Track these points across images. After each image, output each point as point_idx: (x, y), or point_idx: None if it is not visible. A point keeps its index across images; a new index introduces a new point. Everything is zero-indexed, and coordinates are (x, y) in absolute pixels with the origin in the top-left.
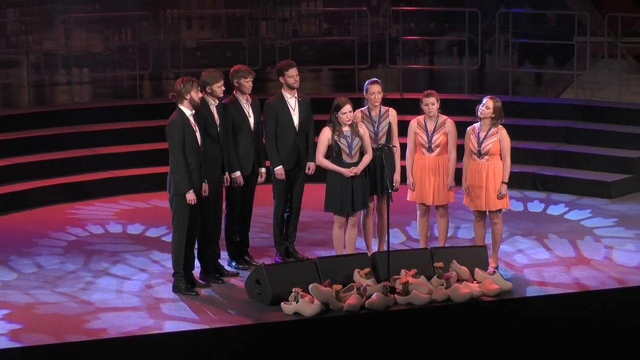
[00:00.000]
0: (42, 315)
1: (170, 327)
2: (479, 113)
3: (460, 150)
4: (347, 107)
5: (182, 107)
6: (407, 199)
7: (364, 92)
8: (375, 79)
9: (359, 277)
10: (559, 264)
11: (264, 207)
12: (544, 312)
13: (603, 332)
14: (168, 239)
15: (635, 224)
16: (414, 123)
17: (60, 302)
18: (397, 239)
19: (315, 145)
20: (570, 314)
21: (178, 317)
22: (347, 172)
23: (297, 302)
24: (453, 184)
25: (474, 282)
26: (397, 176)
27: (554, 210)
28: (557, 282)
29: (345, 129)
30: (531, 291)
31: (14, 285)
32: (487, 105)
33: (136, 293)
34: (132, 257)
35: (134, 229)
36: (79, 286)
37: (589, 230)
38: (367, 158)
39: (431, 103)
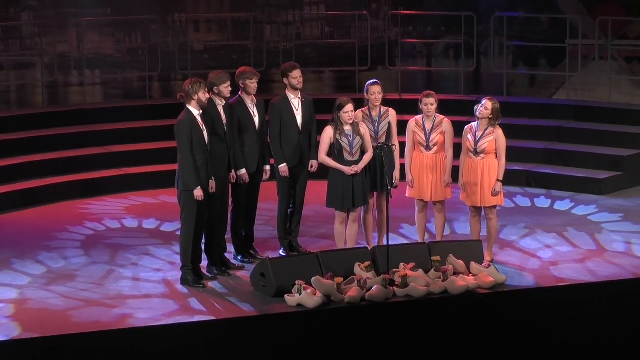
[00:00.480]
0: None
1: (177, 318)
2: (477, 113)
3: (457, 149)
4: (349, 107)
5: (190, 107)
6: (406, 195)
7: (365, 93)
8: (375, 80)
9: (360, 270)
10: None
11: (268, 203)
12: (538, 304)
13: (597, 324)
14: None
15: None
16: (413, 122)
17: (84, 296)
18: (396, 234)
19: (317, 143)
20: (566, 306)
21: (185, 309)
22: (348, 170)
23: (300, 294)
24: (450, 180)
25: (470, 275)
26: (396, 173)
27: (560, 206)
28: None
29: (347, 128)
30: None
31: (41, 280)
32: (485, 106)
33: (151, 285)
34: (154, 250)
35: (149, 223)
36: (99, 277)
37: (593, 225)
38: (368, 157)
39: (430, 103)
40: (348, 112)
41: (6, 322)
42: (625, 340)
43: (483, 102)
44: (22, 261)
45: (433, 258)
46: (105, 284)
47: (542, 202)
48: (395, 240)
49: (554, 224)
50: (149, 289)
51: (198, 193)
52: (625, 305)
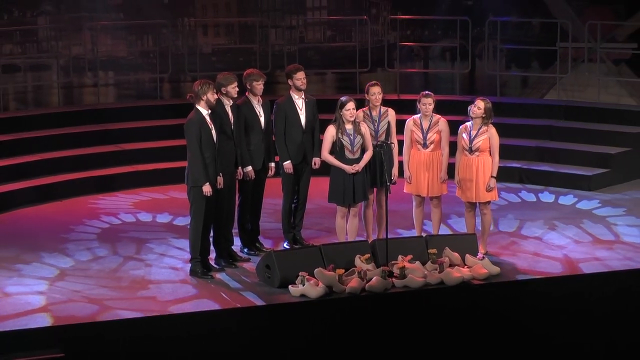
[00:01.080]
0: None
1: (186, 307)
2: (470, 113)
3: (453, 147)
4: (350, 105)
5: (199, 107)
6: (404, 191)
7: (365, 94)
8: (375, 81)
9: (360, 262)
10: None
11: (273, 198)
12: (531, 294)
13: (584, 315)
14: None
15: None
16: (410, 122)
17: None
18: (394, 228)
19: (320, 142)
20: (558, 298)
21: (194, 298)
22: (349, 169)
23: (304, 285)
24: (446, 177)
25: (465, 267)
26: (395, 170)
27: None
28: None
29: (349, 126)
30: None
31: (71, 271)
32: (478, 105)
33: (164, 276)
34: (158, 243)
35: (163, 217)
36: (114, 269)
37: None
38: (368, 155)
39: (428, 103)
40: (350, 109)
41: (39, 311)
42: (609, 332)
43: (475, 102)
44: (48, 254)
45: (430, 251)
46: (121, 275)
47: (531, 197)
48: (393, 233)
49: (545, 218)
50: (161, 279)
51: (206, 189)
52: (615, 297)
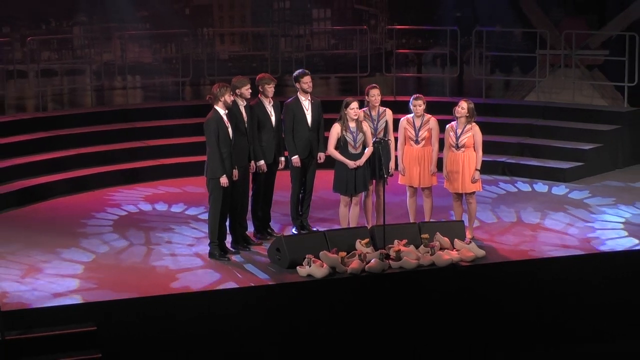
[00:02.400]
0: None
1: (205, 286)
2: (455, 113)
3: (442, 143)
4: (354, 104)
5: (217, 108)
6: (399, 182)
7: (366, 96)
8: (374, 85)
9: (360, 246)
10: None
11: (283, 189)
12: (512, 275)
13: (559, 293)
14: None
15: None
16: (404, 121)
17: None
18: (390, 215)
19: (325, 139)
20: (532, 278)
21: (212, 278)
22: (352, 164)
23: (310, 266)
24: (435, 170)
25: (454, 250)
26: (391, 164)
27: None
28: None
29: (352, 124)
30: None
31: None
32: (462, 106)
33: (184, 258)
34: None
35: (179, 207)
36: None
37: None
38: (368, 151)
39: (419, 105)
40: (354, 108)
41: (74, 291)
42: (587, 306)
43: (459, 103)
44: (84, 239)
45: (422, 236)
46: (148, 258)
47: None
48: (390, 220)
49: (525, 206)
50: (183, 261)
51: (223, 180)
52: (578, 278)
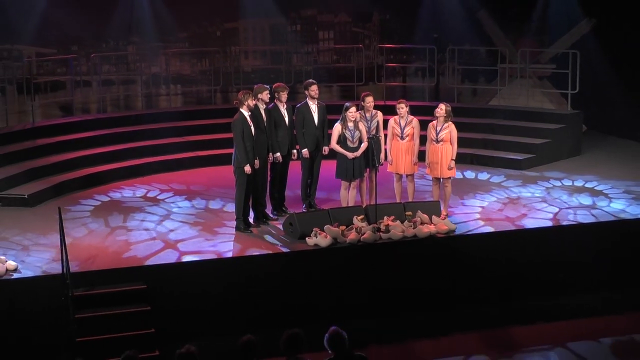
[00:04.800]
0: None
1: (233, 253)
2: (435, 113)
3: (423, 138)
4: (353, 109)
5: (242, 110)
6: (387, 170)
7: (361, 101)
8: (368, 92)
9: (357, 221)
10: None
11: (295, 175)
12: (476, 244)
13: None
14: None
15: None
16: (392, 121)
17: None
18: (381, 196)
19: (329, 135)
20: (495, 249)
21: (238, 247)
22: (350, 155)
23: (317, 237)
24: (417, 160)
25: (432, 224)
26: (382, 155)
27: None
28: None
29: (350, 124)
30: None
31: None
32: (440, 107)
33: (211, 230)
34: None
35: (221, 188)
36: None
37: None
38: (364, 146)
39: (401, 107)
40: (352, 112)
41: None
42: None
43: (439, 106)
44: (138, 213)
45: (407, 213)
46: (192, 228)
47: (477, 175)
48: (380, 200)
49: (489, 189)
50: (220, 232)
51: (247, 169)
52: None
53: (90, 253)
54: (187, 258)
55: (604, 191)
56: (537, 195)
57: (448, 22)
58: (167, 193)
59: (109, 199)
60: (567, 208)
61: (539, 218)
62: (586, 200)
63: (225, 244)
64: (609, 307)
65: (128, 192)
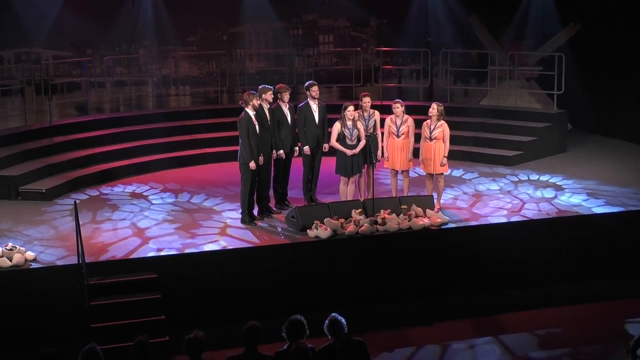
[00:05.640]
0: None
1: (239, 244)
2: (429, 113)
3: (417, 136)
4: (351, 108)
5: (247, 110)
6: (384, 166)
7: (360, 101)
8: (366, 92)
9: (355, 214)
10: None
11: (297, 171)
12: (467, 236)
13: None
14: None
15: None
16: (388, 119)
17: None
18: (378, 191)
19: (329, 134)
20: (484, 238)
21: (243, 238)
22: (349, 152)
23: (317, 229)
24: (411, 157)
25: (426, 217)
26: (379, 152)
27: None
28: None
29: (349, 123)
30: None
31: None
32: (433, 107)
33: (217, 225)
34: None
35: (228, 184)
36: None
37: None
38: (362, 143)
39: (397, 107)
40: (350, 111)
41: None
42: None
43: (432, 106)
44: (147, 206)
45: (402, 206)
46: (199, 222)
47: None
48: (377, 195)
49: (478, 185)
50: (230, 224)
51: (252, 165)
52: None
53: (104, 245)
54: (194, 250)
55: (563, 186)
56: (495, 188)
57: (441, 27)
58: (175, 185)
59: (122, 192)
60: (528, 201)
61: (493, 208)
62: (549, 193)
63: (230, 237)
64: (583, 297)
65: (139, 187)
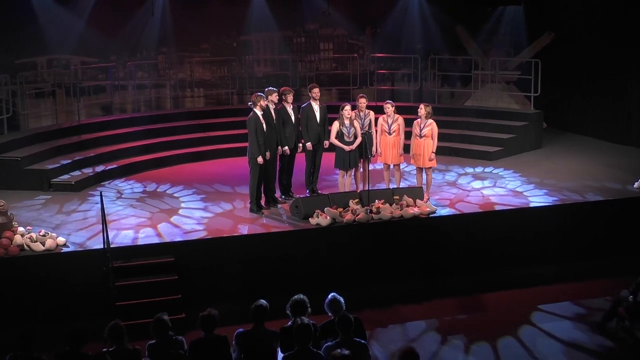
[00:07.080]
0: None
1: (248, 231)
2: (419, 112)
3: (407, 134)
4: (348, 108)
5: (255, 110)
6: (378, 161)
7: (357, 102)
8: (363, 94)
9: (352, 204)
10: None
11: (300, 165)
12: (454, 224)
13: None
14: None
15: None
16: (380, 119)
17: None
18: (372, 183)
19: (329, 131)
20: (467, 226)
21: (251, 225)
22: (347, 148)
23: (318, 217)
24: (402, 152)
25: (416, 207)
26: (374, 148)
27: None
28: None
29: (347, 122)
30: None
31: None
32: (420, 107)
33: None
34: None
35: (239, 175)
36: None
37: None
38: (358, 140)
39: (388, 107)
40: (348, 110)
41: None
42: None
43: (421, 106)
44: (169, 200)
45: (394, 197)
46: (211, 213)
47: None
48: (372, 186)
49: (462, 177)
50: (239, 215)
51: (260, 160)
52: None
53: (127, 231)
54: (208, 235)
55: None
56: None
57: (430, 35)
58: (188, 178)
59: (144, 185)
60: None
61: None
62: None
63: (240, 224)
64: (560, 277)
65: (161, 180)
